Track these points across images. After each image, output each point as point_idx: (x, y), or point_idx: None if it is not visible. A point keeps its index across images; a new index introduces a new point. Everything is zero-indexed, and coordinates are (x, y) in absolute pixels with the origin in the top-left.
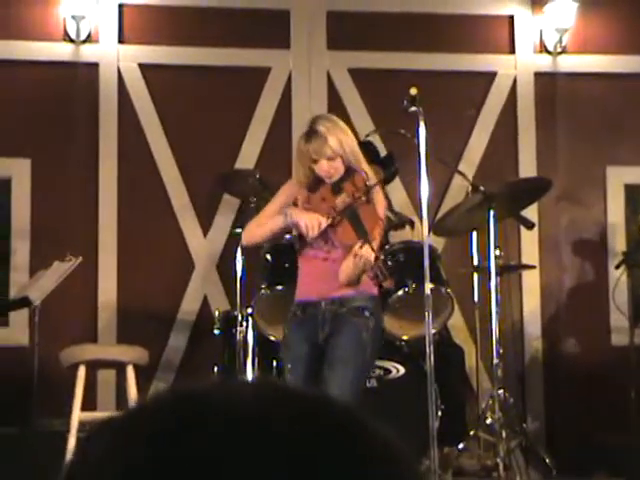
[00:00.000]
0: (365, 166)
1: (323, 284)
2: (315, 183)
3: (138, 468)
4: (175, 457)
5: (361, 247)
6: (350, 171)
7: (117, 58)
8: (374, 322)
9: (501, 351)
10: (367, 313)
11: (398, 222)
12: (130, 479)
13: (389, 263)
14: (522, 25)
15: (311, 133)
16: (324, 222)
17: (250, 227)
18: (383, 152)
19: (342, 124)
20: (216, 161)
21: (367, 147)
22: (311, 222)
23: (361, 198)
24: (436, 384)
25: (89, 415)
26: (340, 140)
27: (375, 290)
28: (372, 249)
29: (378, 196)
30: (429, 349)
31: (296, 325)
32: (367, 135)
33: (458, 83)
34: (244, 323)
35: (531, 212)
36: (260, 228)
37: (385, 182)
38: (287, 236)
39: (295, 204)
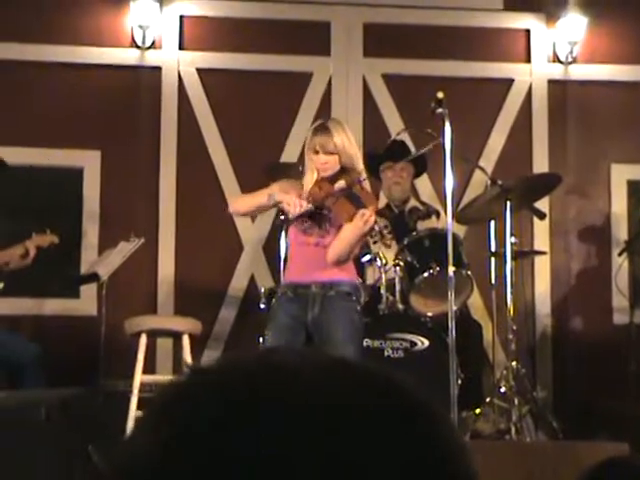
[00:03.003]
0: (361, 167)
1: (314, 268)
2: (315, 180)
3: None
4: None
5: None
6: (345, 169)
7: (178, 63)
8: (360, 306)
9: (514, 327)
10: (354, 298)
11: (426, 212)
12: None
13: (389, 235)
14: (537, 37)
15: (321, 127)
16: (305, 205)
17: (238, 199)
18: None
19: (349, 130)
20: (264, 155)
21: (400, 145)
22: (293, 202)
23: (355, 187)
24: (457, 356)
25: (150, 378)
26: (343, 141)
27: (357, 279)
28: (371, 214)
29: (371, 192)
30: (451, 324)
31: (285, 301)
32: (398, 134)
33: (480, 88)
34: (273, 300)
35: (543, 204)
36: (245, 201)
37: (415, 176)
38: (281, 217)
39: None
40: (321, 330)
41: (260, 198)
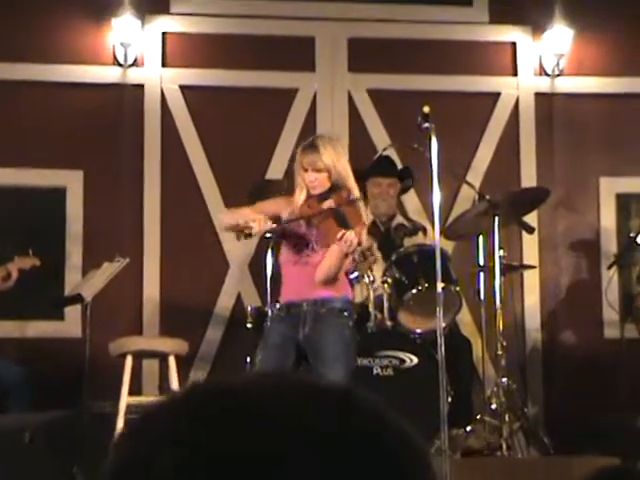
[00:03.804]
0: (352, 184)
1: (305, 286)
2: (306, 198)
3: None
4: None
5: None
6: (335, 187)
7: (160, 80)
8: (352, 322)
9: (504, 343)
10: (346, 314)
11: (412, 229)
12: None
13: (375, 254)
14: (523, 50)
15: (309, 146)
16: (269, 224)
17: (227, 214)
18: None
19: (339, 147)
20: (248, 173)
21: (386, 161)
22: (258, 219)
23: (344, 206)
24: (446, 373)
25: (136, 399)
26: (332, 158)
27: (350, 294)
28: (356, 235)
29: (361, 211)
30: (440, 341)
31: (278, 321)
32: (384, 149)
33: (466, 102)
34: (268, 321)
35: (531, 218)
36: (228, 218)
37: (402, 192)
38: (267, 235)
39: (278, 218)
40: (311, 348)
41: (237, 216)
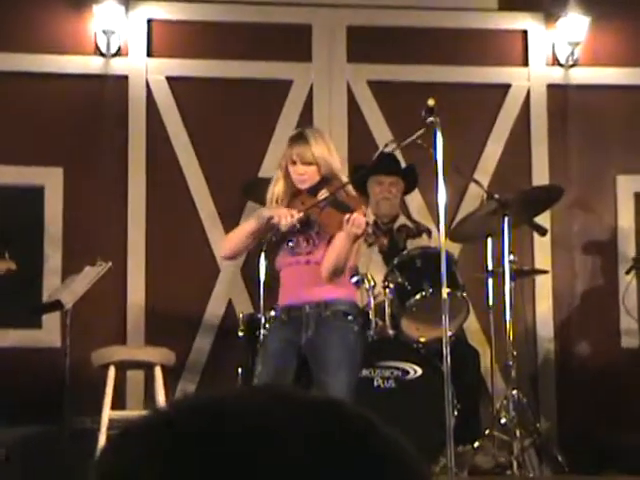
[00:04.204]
0: (344, 178)
1: (306, 288)
2: (294, 194)
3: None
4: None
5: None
6: (326, 179)
7: (145, 71)
8: (358, 327)
9: (515, 353)
10: (351, 318)
11: (416, 231)
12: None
13: (381, 228)
14: (535, 39)
15: (298, 136)
16: (296, 214)
17: (225, 239)
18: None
19: (329, 140)
20: (240, 170)
21: (388, 158)
22: (283, 212)
23: (339, 193)
24: (452, 385)
25: (119, 414)
26: (322, 151)
27: (356, 297)
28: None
29: (356, 195)
30: (446, 351)
31: (278, 326)
32: (386, 145)
33: (474, 95)
34: (267, 325)
35: (544, 219)
36: (234, 236)
37: (405, 192)
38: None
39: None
40: (314, 354)
41: (248, 224)
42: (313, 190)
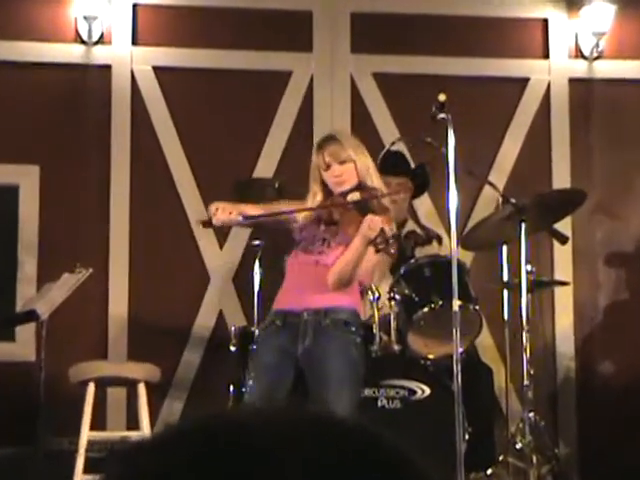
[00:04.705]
0: (379, 183)
1: (309, 292)
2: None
3: None
4: None
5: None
6: (362, 186)
7: (130, 60)
8: (360, 338)
9: (532, 372)
10: (353, 328)
11: (426, 237)
12: None
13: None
14: (557, 29)
15: (326, 139)
16: (235, 213)
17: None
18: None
19: (358, 140)
20: (233, 169)
21: (395, 157)
22: (222, 207)
23: (371, 201)
24: (463, 406)
25: (98, 435)
26: (355, 147)
27: (360, 306)
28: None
29: (388, 205)
30: (456, 369)
31: (272, 333)
32: (392, 143)
33: (489, 89)
34: (257, 332)
35: (564, 225)
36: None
37: (416, 195)
38: (256, 242)
39: (290, 226)
40: (312, 366)
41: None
42: (347, 194)
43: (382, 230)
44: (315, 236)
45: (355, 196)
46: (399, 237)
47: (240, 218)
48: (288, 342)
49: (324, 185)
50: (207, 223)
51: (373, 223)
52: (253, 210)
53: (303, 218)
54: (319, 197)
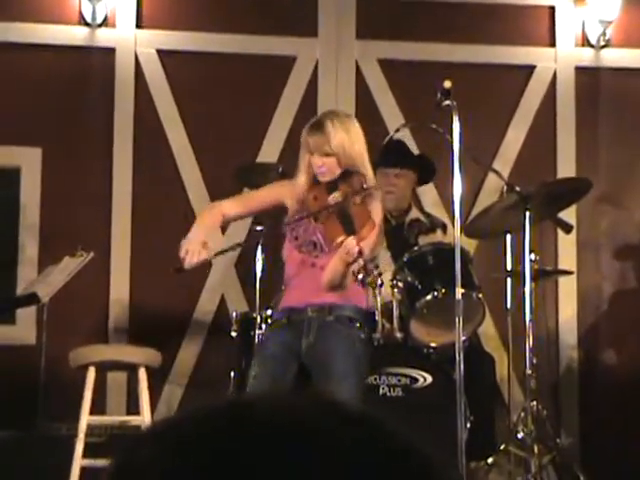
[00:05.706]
0: (368, 171)
1: (311, 290)
2: (312, 186)
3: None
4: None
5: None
6: (348, 173)
7: (134, 43)
8: (365, 334)
9: (534, 361)
10: (357, 324)
11: (429, 225)
12: None
13: (375, 271)
14: (563, 16)
15: (316, 125)
16: (204, 254)
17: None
18: (415, 150)
19: (353, 126)
20: (237, 154)
21: (397, 146)
22: (192, 248)
23: (355, 199)
24: (465, 394)
25: (98, 419)
26: (342, 140)
27: (364, 303)
28: (357, 243)
29: (375, 203)
30: (459, 357)
31: (277, 330)
32: (397, 130)
33: (495, 76)
34: (263, 325)
35: (569, 214)
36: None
37: (419, 184)
38: (258, 227)
39: (284, 205)
40: (316, 362)
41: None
42: (333, 185)
43: (359, 254)
44: (307, 236)
45: (336, 196)
46: (377, 267)
47: (212, 253)
48: (292, 338)
49: (310, 167)
50: (180, 269)
51: (347, 247)
52: (232, 206)
53: (290, 200)
54: (303, 178)
